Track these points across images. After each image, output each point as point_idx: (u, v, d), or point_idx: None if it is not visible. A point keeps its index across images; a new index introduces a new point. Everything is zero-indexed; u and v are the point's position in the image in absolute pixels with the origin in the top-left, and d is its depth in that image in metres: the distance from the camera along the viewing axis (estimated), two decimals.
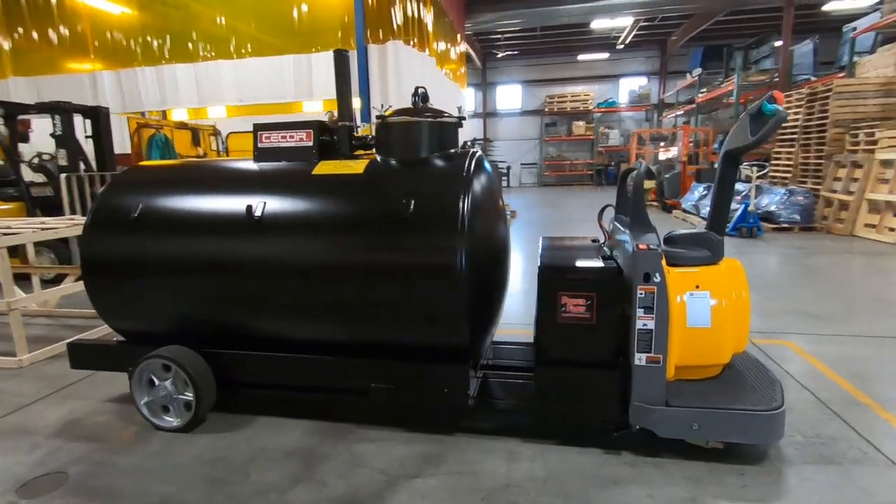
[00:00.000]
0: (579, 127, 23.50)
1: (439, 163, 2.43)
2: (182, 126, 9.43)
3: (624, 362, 2.20)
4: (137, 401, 2.58)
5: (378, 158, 2.53)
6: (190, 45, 7.89)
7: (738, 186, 8.71)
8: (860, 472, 2.10)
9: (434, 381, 2.35)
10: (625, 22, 16.37)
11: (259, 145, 2.64)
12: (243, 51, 7.79)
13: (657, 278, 2.08)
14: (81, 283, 3.78)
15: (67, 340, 3.70)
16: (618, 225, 2.59)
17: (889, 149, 7.55)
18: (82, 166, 6.14)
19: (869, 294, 4.75)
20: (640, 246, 2.10)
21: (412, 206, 2.20)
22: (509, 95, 24.90)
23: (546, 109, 23.56)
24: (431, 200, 2.23)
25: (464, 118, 2.61)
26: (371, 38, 7.24)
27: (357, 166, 2.47)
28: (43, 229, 3.67)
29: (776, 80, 11.89)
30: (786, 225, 8.30)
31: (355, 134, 2.79)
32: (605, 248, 2.60)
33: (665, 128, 19.50)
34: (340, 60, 2.64)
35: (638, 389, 2.17)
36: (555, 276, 2.21)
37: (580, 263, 2.24)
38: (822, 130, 8.90)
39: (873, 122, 8.24)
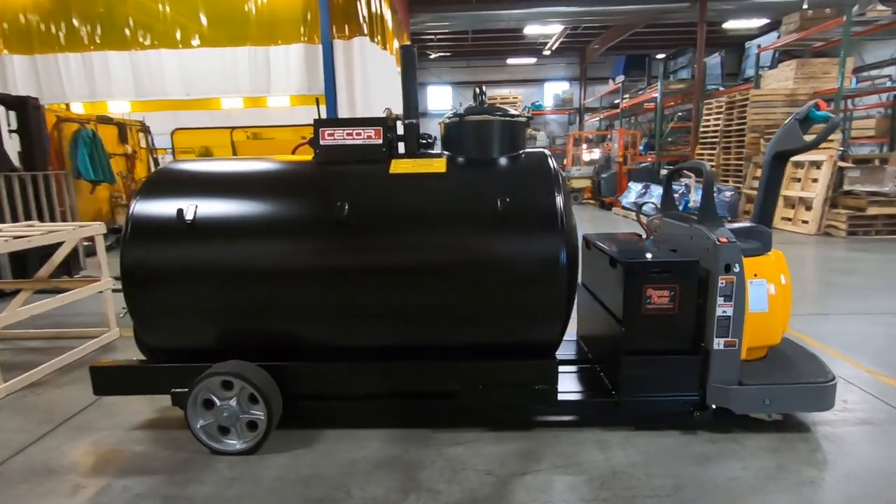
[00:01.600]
0: None
1: (521, 161, 2.45)
2: (105, 120, 8.47)
3: (701, 347, 2.38)
4: (193, 424, 2.33)
5: (453, 157, 2.49)
6: (127, 31, 7.10)
7: (676, 186, 9.55)
8: (894, 428, 2.44)
9: (524, 378, 2.37)
10: (554, 29, 17.20)
11: (322, 142, 2.49)
12: (192, 42, 7.16)
13: (736, 269, 2.27)
14: (43, 299, 3.35)
15: (46, 365, 3.28)
16: (670, 220, 2.77)
17: None
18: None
19: (812, 278, 5.46)
20: (721, 239, 2.28)
21: (508, 205, 2.20)
22: (440, 96, 25.16)
23: None
24: (527, 198, 2.25)
25: (531, 118, 2.65)
26: (336, 34, 6.99)
27: (437, 165, 2.41)
28: (15, 238, 3.16)
29: (692, 88, 13.15)
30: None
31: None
32: (655, 243, 2.77)
33: (596, 130, 20.77)
34: (407, 55, 2.55)
35: (715, 371, 2.35)
36: (641, 271, 2.32)
37: (662, 258, 2.38)
38: (741, 135, 10.02)
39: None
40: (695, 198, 9.71)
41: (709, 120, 11.32)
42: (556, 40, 19.50)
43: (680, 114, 16.20)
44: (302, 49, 7.11)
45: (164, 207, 2.31)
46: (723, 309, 2.30)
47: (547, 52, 21.54)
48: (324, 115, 7.37)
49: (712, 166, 11.11)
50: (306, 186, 2.38)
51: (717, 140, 10.89)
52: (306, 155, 2.62)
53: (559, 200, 2.25)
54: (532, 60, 23.02)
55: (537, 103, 24.80)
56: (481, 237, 2.23)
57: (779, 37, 11.79)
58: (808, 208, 8.31)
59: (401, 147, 2.59)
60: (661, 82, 13.36)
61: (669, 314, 2.35)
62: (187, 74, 7.26)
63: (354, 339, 2.38)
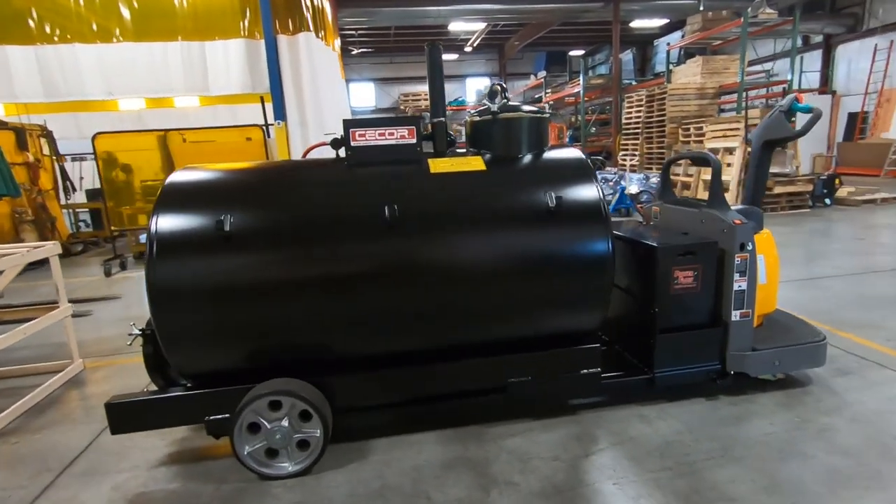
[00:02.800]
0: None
1: (553, 156, 2.52)
2: None
3: (720, 320, 2.62)
4: (240, 451, 2.17)
5: (487, 155, 2.51)
6: (31, 23, 6.22)
7: (608, 175, 10.21)
8: (868, 373, 2.85)
9: (572, 364, 2.47)
10: (477, 26, 17.56)
11: (353, 144, 2.39)
12: (113, 36, 6.44)
13: (750, 247, 2.53)
14: None
15: (11, 409, 2.92)
16: (673, 207, 2.99)
17: (714, 139, 9.65)
18: None
19: None
20: (736, 221, 2.52)
21: (556, 200, 2.27)
22: (362, 93, 24.74)
23: (401, 107, 23.98)
24: (571, 192, 2.33)
25: (552, 113, 2.73)
26: (280, 29, 6.65)
27: (475, 163, 2.42)
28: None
29: (610, 83, 14.10)
30: (646, 203, 10.03)
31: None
32: (656, 228, 2.99)
33: None
34: (434, 53, 2.52)
35: (733, 340, 2.60)
36: (669, 254, 2.50)
37: (686, 241, 2.57)
38: (662, 125, 10.92)
39: (696, 118, 10.41)
40: (630, 185, 10.44)
41: (630, 112, 12.21)
42: (478, 37, 19.93)
43: (592, 108, 17.28)
44: (243, 45, 6.69)
45: (192, 220, 2.11)
46: (738, 284, 2.55)
47: (469, 49, 21.95)
48: (270, 116, 7.03)
49: (635, 155, 12.02)
50: (347, 190, 2.28)
51: (639, 131, 11.77)
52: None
53: (601, 192, 2.36)
54: (454, 56, 23.32)
55: (460, 99, 25.17)
56: (533, 232, 2.28)
57: (683, 36, 12.97)
58: (726, 190, 9.26)
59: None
60: (583, 78, 14.16)
61: (693, 292, 2.57)
62: (109, 72, 6.53)
63: (406, 343, 2.34)
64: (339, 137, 2.47)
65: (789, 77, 10.18)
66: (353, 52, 22.58)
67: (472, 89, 25.55)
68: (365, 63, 23.81)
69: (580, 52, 18.18)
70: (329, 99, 7.28)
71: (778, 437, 2.31)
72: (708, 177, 9.64)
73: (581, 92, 14.36)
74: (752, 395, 2.69)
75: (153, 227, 2.07)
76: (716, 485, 2.02)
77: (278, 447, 2.19)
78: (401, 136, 2.42)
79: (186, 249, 2.07)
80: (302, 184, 2.30)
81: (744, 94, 9.82)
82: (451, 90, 25.13)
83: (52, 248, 3.39)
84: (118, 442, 2.57)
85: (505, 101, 2.57)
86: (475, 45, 21.24)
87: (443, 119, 2.56)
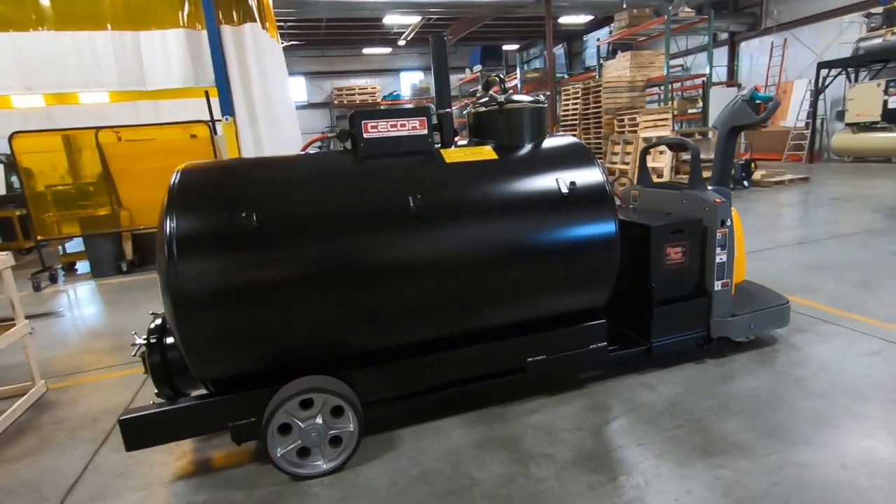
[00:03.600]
0: None
1: (555, 144, 2.64)
2: None
3: (705, 290, 2.88)
4: (273, 454, 2.11)
5: (495, 145, 2.58)
6: None
7: None
8: (819, 329, 3.25)
9: (582, 340, 2.62)
10: (413, 19, 17.50)
11: (365, 136, 2.37)
12: (30, 26, 5.78)
13: (729, 223, 2.80)
14: None
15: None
16: (651, 190, 3.23)
17: (647, 129, 10.33)
18: None
19: None
20: (717, 200, 2.78)
21: (567, 186, 2.40)
22: (293, 87, 23.85)
23: (335, 102, 23.42)
24: (579, 178, 2.46)
25: (545, 104, 2.84)
26: (224, 19, 6.29)
27: (486, 152, 2.49)
28: None
29: (546, 76, 14.64)
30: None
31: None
32: (636, 210, 3.22)
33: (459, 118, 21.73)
34: (439, 46, 2.54)
35: (716, 308, 2.88)
36: (662, 233, 2.72)
37: (676, 220, 2.80)
38: (598, 117, 11.52)
39: (628, 110, 11.09)
40: None
41: (567, 104, 12.76)
42: (412, 31, 19.86)
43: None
44: (183, 36, 6.25)
45: (212, 218, 2.01)
46: (720, 256, 2.82)
47: (402, 43, 21.81)
48: (217, 111, 6.66)
49: None
50: (368, 181, 2.26)
51: (576, 122, 12.33)
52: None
53: (604, 176, 2.51)
54: (387, 50, 23.08)
55: (395, 93, 25.05)
56: (548, 216, 2.39)
57: (612, 32, 13.73)
58: (660, 176, 9.97)
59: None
60: (520, 71, 14.58)
61: (682, 267, 2.81)
62: (26, 64, 5.87)
63: (432, 331, 2.37)
64: (346, 130, 2.44)
65: (707, 70, 11.08)
66: (283, 45, 21.69)
67: (406, 84, 25.47)
68: (294, 56, 22.91)
69: (514, 47, 18.68)
70: (278, 93, 7.01)
71: (764, 390, 2.60)
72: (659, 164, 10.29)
73: (519, 85, 14.79)
74: (732, 356, 2.99)
75: (169, 228, 1.95)
76: (725, 436, 2.25)
77: (312, 445, 2.16)
78: (412, 127, 2.43)
79: (209, 249, 1.98)
80: (322, 177, 2.25)
81: (669, 86, 10.59)
82: (385, 84, 24.91)
83: (5, 260, 3.05)
84: (119, 462, 2.41)
85: (510, 92, 2.65)
86: (409, 38, 21.15)
87: (449, 110, 2.60)
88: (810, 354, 2.95)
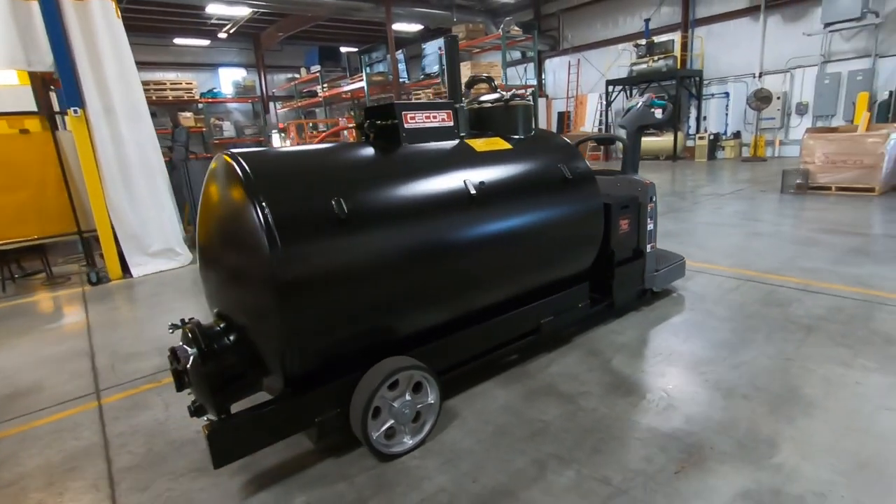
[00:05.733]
0: (187, 119, 21.47)
1: (544, 136, 3.09)
2: None
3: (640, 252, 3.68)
4: (372, 437, 2.13)
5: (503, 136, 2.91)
6: None
7: None
8: (698, 278, 4.38)
9: (575, 301, 3.15)
10: (241, 11, 16.23)
11: (406, 126, 2.48)
12: None
13: (654, 199, 3.64)
14: None
15: None
16: None
17: None
18: None
19: None
20: (647, 181, 3.59)
21: (568, 171, 2.89)
22: None
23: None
24: (573, 165, 2.96)
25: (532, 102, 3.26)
26: None
27: (502, 143, 2.81)
28: None
29: (391, 79, 15.14)
30: None
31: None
32: None
33: (302, 119, 20.68)
34: (451, 43, 2.75)
35: (648, 266, 3.71)
36: (617, 208, 3.40)
37: (625, 197, 3.50)
38: None
39: None
40: None
41: None
42: (236, 24, 18.37)
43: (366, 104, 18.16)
44: (6, 7, 4.98)
45: (302, 204, 1.95)
46: (649, 225, 3.65)
47: (223, 36, 19.95)
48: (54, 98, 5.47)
49: None
50: (428, 168, 2.40)
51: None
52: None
53: (586, 161, 3.07)
54: (204, 42, 20.83)
55: (215, 90, 22.70)
56: (559, 195, 2.84)
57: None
58: None
59: None
60: (365, 74, 14.80)
61: (628, 234, 3.55)
62: None
63: (481, 301, 2.62)
64: (366, 120, 2.53)
65: (535, 81, 12.88)
66: None
67: (226, 80, 23.32)
68: None
69: (352, 49, 18.71)
70: (136, 82, 6.03)
71: (692, 322, 3.48)
72: None
73: (366, 87, 14.98)
74: (655, 303, 3.87)
75: (262, 216, 1.84)
76: (692, 352, 3.01)
77: (404, 423, 2.23)
78: (441, 119, 2.63)
79: (310, 235, 1.92)
80: (380, 162, 2.31)
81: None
82: (202, 80, 22.40)
83: None
84: (157, 496, 2.09)
85: (494, 90, 3.02)
86: (230, 32, 19.49)
87: (462, 104, 2.85)
88: (703, 294, 3.99)
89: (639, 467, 2.07)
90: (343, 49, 18.92)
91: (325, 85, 17.32)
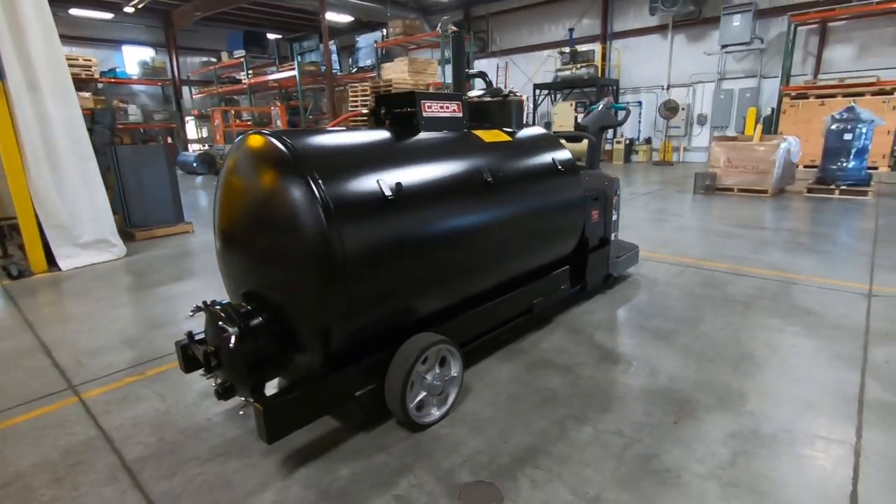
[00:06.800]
0: (86, 99, 19.22)
1: (531, 130, 3.34)
2: None
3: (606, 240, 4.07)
4: (410, 409, 2.24)
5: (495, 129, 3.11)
6: None
7: None
8: (648, 263, 4.90)
9: (559, 282, 3.44)
10: None
11: (424, 114, 2.59)
12: None
13: (619, 192, 4.05)
14: None
15: None
16: None
17: None
18: None
19: None
20: (612, 177, 3.98)
21: (559, 163, 3.16)
22: None
23: None
24: (562, 157, 3.24)
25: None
26: None
27: (503, 135, 3.01)
28: None
29: (324, 70, 14.78)
30: None
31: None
32: None
33: (227, 106, 19.33)
34: (458, 39, 2.88)
35: (612, 253, 4.11)
36: (590, 199, 3.75)
37: (595, 190, 3.86)
38: None
39: None
40: None
41: (356, 101, 13.28)
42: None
43: (294, 94, 17.50)
44: None
45: (352, 185, 2.01)
46: (614, 216, 4.05)
47: (130, 10, 18.16)
48: None
49: None
50: (447, 154, 2.53)
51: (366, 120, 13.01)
52: None
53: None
54: (107, 16, 18.84)
55: (118, 70, 20.61)
56: (552, 183, 3.10)
57: (386, 36, 14.85)
58: None
59: None
60: (297, 63, 14.33)
61: (598, 223, 3.92)
62: None
63: (492, 280, 2.81)
64: (379, 107, 2.64)
65: (470, 81, 13.26)
66: None
67: (130, 60, 21.30)
68: None
69: (278, 36, 17.94)
70: (62, 56, 5.43)
71: (653, 301, 3.93)
72: None
73: (297, 77, 14.49)
74: (617, 287, 4.29)
75: (318, 192, 1.88)
76: (658, 325, 3.42)
77: (435, 395, 2.36)
78: (452, 109, 2.78)
79: (360, 213, 1.99)
80: (414, 149, 2.40)
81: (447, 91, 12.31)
82: (103, 57, 20.22)
83: None
84: (202, 479, 2.05)
85: (500, 87, 3.22)
86: (139, 6, 17.83)
87: (468, 96, 3.01)
88: (654, 278, 4.49)
89: (643, 420, 2.38)
90: (270, 35, 18.08)
91: (250, 72, 16.47)
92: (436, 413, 2.40)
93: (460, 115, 2.84)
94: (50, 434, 2.43)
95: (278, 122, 13.48)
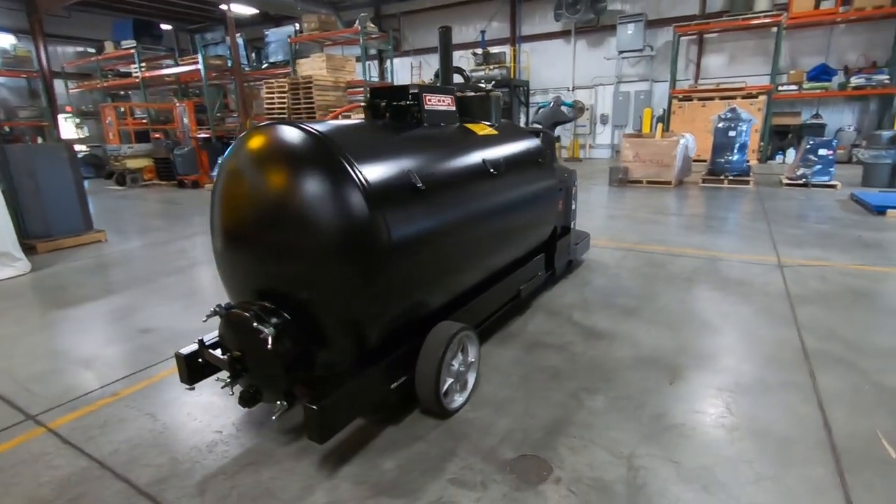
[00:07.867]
0: None
1: (510, 125, 3.49)
2: None
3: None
4: (441, 397, 2.28)
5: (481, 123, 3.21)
6: None
7: None
8: (595, 250, 5.30)
9: (539, 269, 3.64)
10: None
11: (426, 107, 2.62)
12: None
13: (577, 183, 4.35)
14: None
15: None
16: None
17: None
18: None
19: None
20: (572, 169, 4.28)
21: (539, 154, 3.35)
22: None
23: None
24: (539, 149, 3.43)
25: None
26: None
27: (489, 128, 3.12)
28: None
29: (231, 64, 13.84)
30: None
31: None
32: None
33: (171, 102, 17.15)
34: (445, 35, 2.91)
35: (572, 240, 4.42)
36: (555, 190, 4.00)
37: (559, 182, 4.11)
38: (311, 112, 12.03)
39: (335, 108, 12.10)
40: None
41: (272, 98, 12.63)
42: None
43: (196, 91, 16.19)
44: None
45: (389, 176, 2.00)
46: (574, 205, 4.35)
47: None
48: None
49: None
50: (458, 146, 2.58)
51: (286, 116, 12.44)
52: None
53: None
54: None
55: None
56: (534, 173, 3.28)
57: (300, 32, 14.25)
58: None
59: None
60: (202, 56, 13.29)
61: (563, 212, 4.19)
62: None
63: (492, 267, 2.91)
64: (372, 100, 2.65)
65: (389, 79, 13.23)
66: None
67: None
68: None
69: (168, 27, 16.41)
70: None
71: (611, 283, 4.28)
72: None
73: (203, 71, 13.40)
74: (578, 272, 4.61)
75: (360, 181, 1.85)
76: (626, 305, 3.75)
77: (459, 381, 2.41)
78: (447, 103, 2.83)
79: (397, 203, 1.99)
80: (426, 141, 2.42)
81: (366, 88, 12.17)
82: None
83: None
84: (253, 487, 1.92)
85: (467, 80, 3.33)
86: None
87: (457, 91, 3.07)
88: (605, 262, 4.89)
89: (645, 385, 2.63)
90: (164, 26, 16.53)
91: (143, 65, 14.94)
92: (459, 399, 2.46)
93: (454, 108, 2.90)
94: (26, 471, 2.11)
95: (185, 121, 12.38)
